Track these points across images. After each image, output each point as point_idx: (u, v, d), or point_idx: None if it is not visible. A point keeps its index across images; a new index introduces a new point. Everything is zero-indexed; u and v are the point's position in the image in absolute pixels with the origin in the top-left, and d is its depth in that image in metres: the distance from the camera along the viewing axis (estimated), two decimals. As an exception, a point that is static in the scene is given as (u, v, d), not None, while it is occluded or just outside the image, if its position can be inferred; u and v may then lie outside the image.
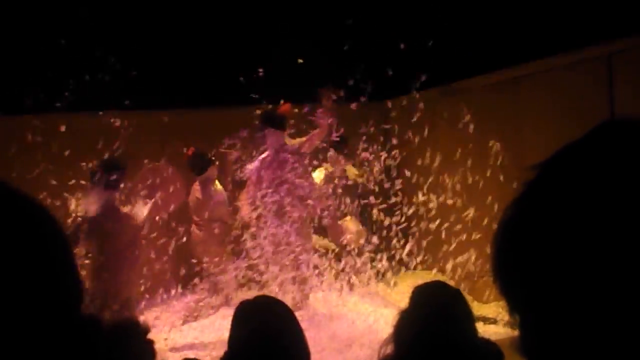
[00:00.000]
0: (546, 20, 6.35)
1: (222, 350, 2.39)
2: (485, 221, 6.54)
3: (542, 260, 0.65)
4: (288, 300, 6.78)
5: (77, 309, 0.75)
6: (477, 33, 7.14)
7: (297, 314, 2.53)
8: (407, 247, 7.38)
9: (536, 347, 0.67)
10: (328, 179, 7.76)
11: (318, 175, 7.74)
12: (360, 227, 7.60)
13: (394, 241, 7.57)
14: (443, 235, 7.40)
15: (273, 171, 6.83)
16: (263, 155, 7.04)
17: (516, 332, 0.70)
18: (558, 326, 0.64)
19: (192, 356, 5.41)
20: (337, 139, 7.65)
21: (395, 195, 7.95)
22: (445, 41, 7.51)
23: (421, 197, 7.59)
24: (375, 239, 7.47)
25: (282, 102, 7.13)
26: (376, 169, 7.88)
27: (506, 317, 6.44)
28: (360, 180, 7.77)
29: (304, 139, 7.00)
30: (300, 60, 6.82)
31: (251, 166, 7.08)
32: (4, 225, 0.69)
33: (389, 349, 2.53)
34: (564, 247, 0.63)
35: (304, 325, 2.44)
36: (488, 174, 7.04)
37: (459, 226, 7.23)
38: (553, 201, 0.66)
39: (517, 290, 0.68)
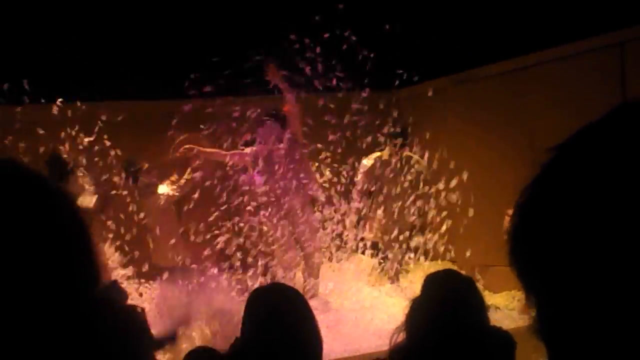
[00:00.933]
0: (557, 8, 6.31)
1: (232, 336, 2.40)
2: (497, 209, 6.52)
3: (559, 242, 0.64)
4: (299, 289, 6.80)
5: (92, 287, 0.76)
6: (488, 21, 7.10)
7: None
8: (421, 238, 7.37)
9: (552, 330, 0.66)
10: (379, 166, 7.64)
11: (367, 162, 7.65)
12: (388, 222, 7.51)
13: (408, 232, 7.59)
14: (455, 224, 7.38)
15: (272, 163, 6.84)
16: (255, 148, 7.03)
17: (531, 317, 0.69)
18: (575, 310, 0.63)
19: (202, 344, 5.42)
20: (397, 130, 7.60)
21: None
22: (455, 30, 7.48)
23: (432, 187, 7.55)
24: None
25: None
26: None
27: (518, 307, 6.48)
28: (422, 168, 7.64)
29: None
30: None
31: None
32: (22, 206, 0.70)
33: (400, 337, 2.53)
34: (581, 229, 0.62)
35: (315, 313, 2.45)
36: (499, 163, 7.02)
37: (470, 215, 7.21)
38: (571, 182, 0.65)
39: (533, 273, 0.68)
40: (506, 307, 6.59)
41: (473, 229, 7.22)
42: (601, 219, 0.61)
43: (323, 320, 5.69)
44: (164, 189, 7.21)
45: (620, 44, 5.86)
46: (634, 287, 0.59)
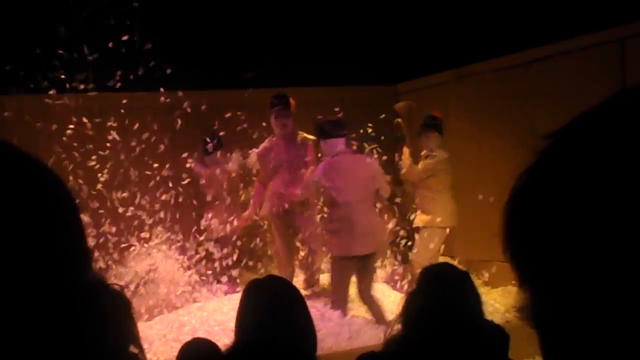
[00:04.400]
0: (558, 4, 6.31)
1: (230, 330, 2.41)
2: (498, 205, 6.52)
3: (553, 230, 0.63)
4: (299, 281, 6.81)
5: (82, 272, 0.76)
6: (490, 16, 7.10)
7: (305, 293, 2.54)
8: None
9: (545, 317, 0.66)
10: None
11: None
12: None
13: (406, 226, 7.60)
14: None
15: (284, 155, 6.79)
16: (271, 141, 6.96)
17: (523, 304, 0.68)
18: (568, 298, 0.62)
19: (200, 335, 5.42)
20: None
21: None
22: (457, 24, 7.48)
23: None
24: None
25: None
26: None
27: (512, 302, 6.47)
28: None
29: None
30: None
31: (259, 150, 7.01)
32: (6, 185, 0.70)
33: (396, 329, 2.54)
34: (576, 218, 0.61)
35: (310, 303, 2.46)
36: (500, 158, 7.02)
37: (469, 209, 7.21)
38: (566, 170, 0.64)
39: (526, 260, 0.67)
40: (501, 302, 6.59)
41: (472, 225, 7.22)
42: (596, 208, 0.60)
43: (320, 313, 5.71)
44: None
45: (620, 40, 5.87)
46: (629, 278, 0.58)
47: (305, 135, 6.77)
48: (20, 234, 0.68)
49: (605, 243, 0.59)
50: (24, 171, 0.73)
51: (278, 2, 7.79)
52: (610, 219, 0.59)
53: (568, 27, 6.25)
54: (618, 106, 0.65)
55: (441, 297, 2.43)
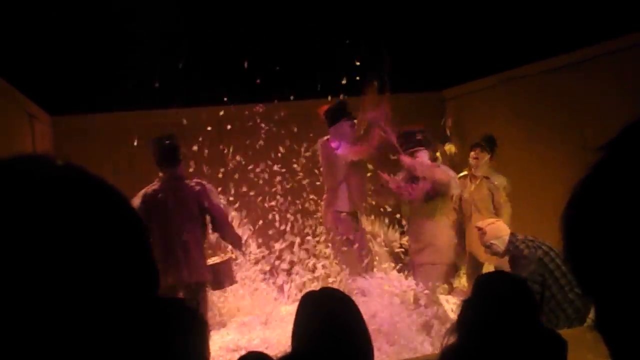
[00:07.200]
0: (605, 2, 6.21)
1: (284, 344, 2.42)
2: (548, 210, 6.43)
3: (613, 241, 0.63)
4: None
5: (152, 292, 0.77)
6: (534, 17, 7.02)
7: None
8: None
9: (613, 326, 0.66)
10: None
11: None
12: None
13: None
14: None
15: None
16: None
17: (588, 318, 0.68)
18: (633, 307, 0.62)
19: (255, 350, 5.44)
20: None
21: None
22: (501, 28, 7.41)
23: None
24: None
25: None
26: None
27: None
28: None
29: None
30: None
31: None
32: (81, 209, 0.71)
33: (452, 339, 2.53)
34: (635, 227, 0.61)
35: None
36: (548, 161, 6.94)
37: (522, 211, 7.12)
38: (623, 182, 0.63)
39: (589, 272, 0.67)
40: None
41: (523, 231, 7.12)
42: None
43: (374, 322, 5.68)
44: None
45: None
46: None
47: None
48: (88, 254, 0.69)
49: None
50: (89, 192, 0.74)
51: (321, 13, 7.82)
52: None
53: (616, 25, 6.14)
54: None
55: (496, 307, 2.40)
